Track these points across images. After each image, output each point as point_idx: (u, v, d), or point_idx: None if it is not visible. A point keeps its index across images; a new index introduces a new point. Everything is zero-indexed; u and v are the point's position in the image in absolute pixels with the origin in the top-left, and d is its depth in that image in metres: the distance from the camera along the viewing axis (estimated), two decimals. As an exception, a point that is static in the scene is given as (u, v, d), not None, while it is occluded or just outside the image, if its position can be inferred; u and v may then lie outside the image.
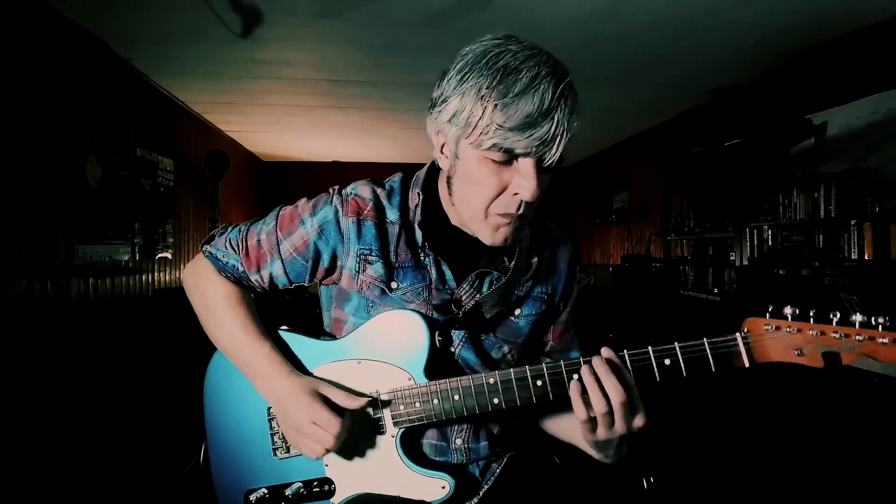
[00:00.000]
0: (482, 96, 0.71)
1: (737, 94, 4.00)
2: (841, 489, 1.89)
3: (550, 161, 0.73)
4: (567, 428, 0.92)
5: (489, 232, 0.81)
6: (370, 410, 0.86)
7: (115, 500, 2.15)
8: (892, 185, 2.71)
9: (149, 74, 3.74)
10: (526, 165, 0.73)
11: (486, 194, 0.77)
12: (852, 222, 2.80)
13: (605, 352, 0.76)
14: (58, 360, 2.68)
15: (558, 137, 0.70)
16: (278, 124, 5.34)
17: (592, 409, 0.73)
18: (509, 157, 0.73)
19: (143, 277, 3.71)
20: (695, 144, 4.37)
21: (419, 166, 0.94)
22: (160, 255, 3.96)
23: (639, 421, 0.74)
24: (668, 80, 3.86)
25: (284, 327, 0.92)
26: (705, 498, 2.03)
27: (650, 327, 4.13)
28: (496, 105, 0.70)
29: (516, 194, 0.75)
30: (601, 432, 0.74)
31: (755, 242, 3.47)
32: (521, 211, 0.77)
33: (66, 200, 2.81)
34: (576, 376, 0.76)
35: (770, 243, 3.39)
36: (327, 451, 0.80)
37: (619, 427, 0.73)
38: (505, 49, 0.72)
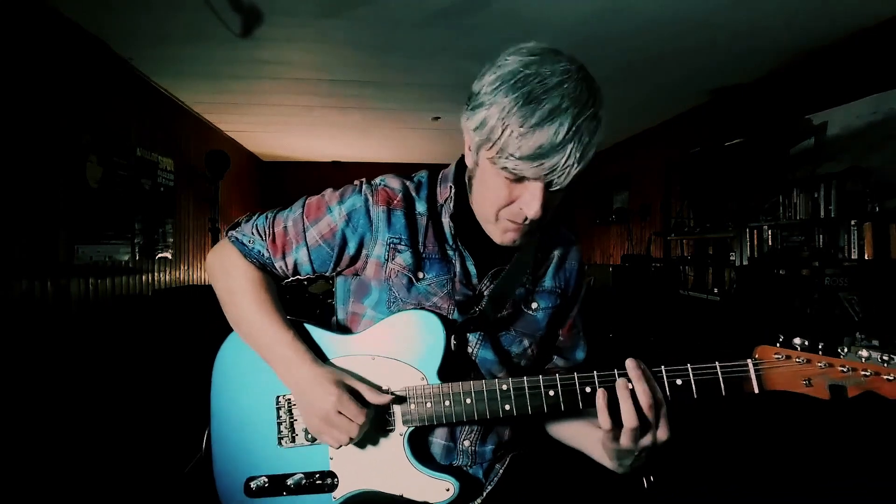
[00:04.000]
0: (503, 118, 0.72)
1: (737, 94, 4.00)
2: (839, 489, 1.89)
3: (559, 186, 0.75)
4: (577, 434, 0.92)
5: (499, 233, 0.85)
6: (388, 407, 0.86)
7: (115, 499, 2.15)
8: (892, 185, 2.71)
9: (149, 74, 3.74)
10: (534, 187, 0.76)
11: (496, 202, 0.80)
12: (852, 222, 2.80)
13: (631, 362, 0.77)
14: (58, 360, 2.68)
15: (568, 168, 0.72)
16: (278, 124, 5.34)
17: (620, 420, 0.74)
18: (520, 178, 0.76)
19: (143, 277, 3.71)
20: (695, 144, 4.37)
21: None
22: (160, 255, 3.96)
23: (663, 434, 0.75)
24: (668, 80, 3.86)
25: (289, 318, 0.92)
26: (706, 498, 2.03)
27: (650, 327, 4.13)
28: (512, 132, 0.71)
29: (521, 209, 0.78)
30: (625, 441, 0.75)
31: (755, 242, 3.47)
32: (527, 221, 0.80)
33: (66, 200, 2.81)
34: (597, 388, 0.77)
35: (770, 243, 3.39)
36: (351, 440, 0.81)
37: (646, 439, 0.75)
38: (536, 72, 0.72)
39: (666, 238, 4.67)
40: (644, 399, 0.74)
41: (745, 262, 3.53)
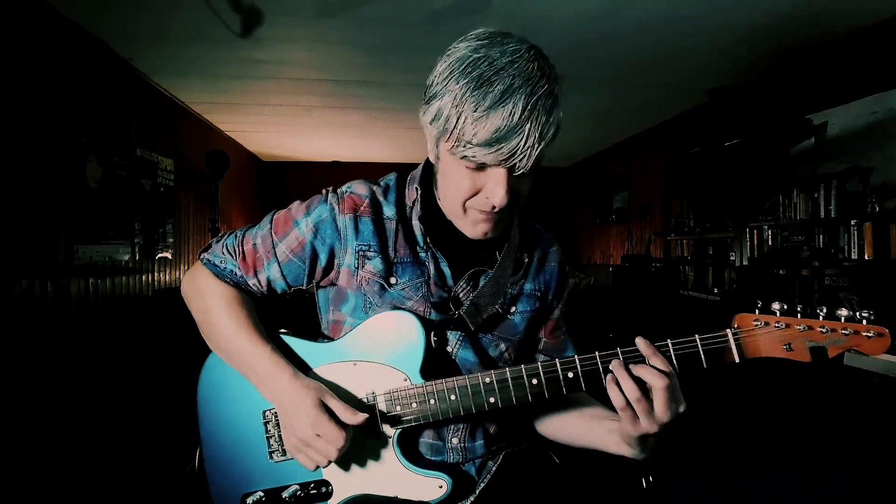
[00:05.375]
0: (456, 106, 0.71)
1: (737, 94, 4.00)
2: (840, 489, 1.89)
3: (523, 170, 0.74)
4: (582, 431, 0.91)
5: (469, 226, 0.84)
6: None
7: (114, 500, 2.15)
8: (892, 185, 2.71)
9: (149, 74, 3.74)
10: (497, 174, 0.74)
11: (461, 194, 0.79)
12: (852, 222, 2.79)
13: (640, 341, 0.76)
14: (58, 360, 2.68)
15: (528, 150, 0.71)
16: (278, 124, 5.34)
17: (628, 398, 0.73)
18: (481, 165, 0.75)
19: (143, 277, 3.71)
20: (695, 144, 4.37)
21: (414, 168, 0.95)
22: (160, 255, 3.96)
23: (681, 407, 0.74)
24: (668, 80, 3.86)
25: (283, 330, 0.92)
26: (705, 497, 2.03)
27: (650, 327, 4.13)
28: (466, 118, 0.70)
29: (487, 198, 0.77)
30: (643, 422, 0.73)
31: (755, 242, 3.47)
32: (495, 210, 0.79)
33: (66, 200, 2.82)
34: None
35: (770, 243, 3.38)
36: (329, 462, 0.80)
37: (661, 414, 0.73)
38: (485, 56, 0.71)
39: (666, 238, 4.67)
40: (653, 379, 0.72)
41: (745, 262, 3.52)
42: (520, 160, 0.72)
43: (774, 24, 2.87)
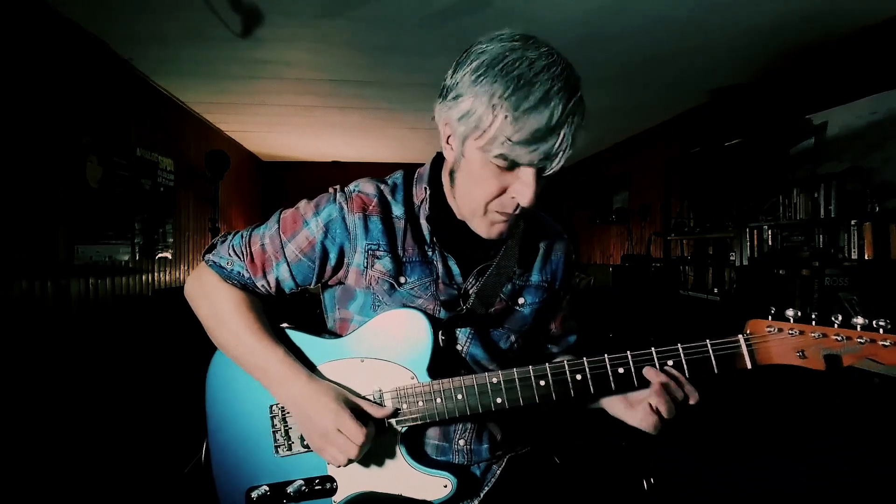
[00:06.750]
0: (494, 105, 0.72)
1: (737, 94, 3.99)
2: (841, 488, 1.89)
3: (552, 170, 0.75)
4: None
5: (485, 227, 0.84)
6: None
7: (115, 500, 2.15)
8: (892, 185, 2.71)
9: (149, 74, 3.74)
10: (527, 174, 0.75)
11: (485, 194, 0.79)
12: (852, 222, 2.79)
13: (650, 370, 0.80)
14: (58, 360, 2.68)
15: (562, 152, 0.73)
16: (278, 124, 5.34)
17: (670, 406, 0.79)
18: (513, 165, 0.75)
19: (143, 277, 3.71)
20: (695, 144, 4.37)
21: (419, 166, 0.95)
22: (160, 255, 3.96)
23: (694, 399, 0.81)
24: (668, 80, 3.86)
25: (285, 324, 0.92)
26: (704, 486, 2.03)
27: (650, 327, 4.13)
28: (506, 117, 0.71)
29: (514, 197, 0.78)
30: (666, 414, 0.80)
31: (755, 242, 3.47)
32: (517, 211, 0.80)
33: (66, 200, 2.81)
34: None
35: (770, 243, 3.39)
36: (350, 460, 0.80)
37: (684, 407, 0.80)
38: (522, 56, 0.72)
39: (666, 238, 4.67)
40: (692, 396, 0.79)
41: (745, 262, 3.52)
42: (552, 162, 0.73)
43: (774, 24, 2.87)
